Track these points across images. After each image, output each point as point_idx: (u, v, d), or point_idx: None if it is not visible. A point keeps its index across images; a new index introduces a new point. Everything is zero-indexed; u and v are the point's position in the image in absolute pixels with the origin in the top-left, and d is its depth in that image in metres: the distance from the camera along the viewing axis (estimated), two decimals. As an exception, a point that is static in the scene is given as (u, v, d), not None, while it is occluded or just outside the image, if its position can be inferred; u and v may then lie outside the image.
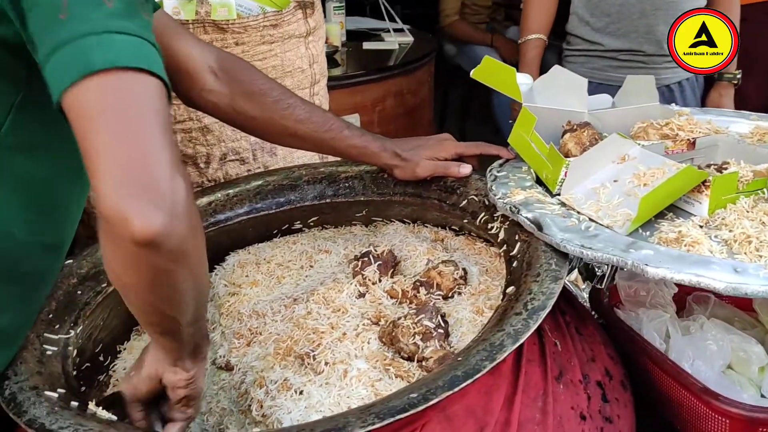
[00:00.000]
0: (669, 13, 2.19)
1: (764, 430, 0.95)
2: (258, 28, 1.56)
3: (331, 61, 3.07)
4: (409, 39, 3.40)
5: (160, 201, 0.70)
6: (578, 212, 1.08)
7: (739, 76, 2.40)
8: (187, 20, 1.53)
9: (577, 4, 2.30)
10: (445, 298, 1.16)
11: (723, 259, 0.94)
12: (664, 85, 2.27)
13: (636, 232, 1.03)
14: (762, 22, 3.27)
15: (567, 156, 1.21)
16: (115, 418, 0.91)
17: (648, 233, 1.03)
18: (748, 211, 1.04)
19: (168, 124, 0.75)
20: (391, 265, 1.24)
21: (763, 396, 1.08)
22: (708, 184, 1.05)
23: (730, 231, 1.00)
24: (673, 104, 2.00)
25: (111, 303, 1.19)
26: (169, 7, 1.58)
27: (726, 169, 1.11)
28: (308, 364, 1.05)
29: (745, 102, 2.39)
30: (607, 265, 1.31)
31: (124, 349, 1.25)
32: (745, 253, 0.95)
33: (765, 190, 1.09)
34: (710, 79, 2.45)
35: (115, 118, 0.72)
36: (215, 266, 1.37)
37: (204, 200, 1.38)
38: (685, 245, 0.97)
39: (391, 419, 0.75)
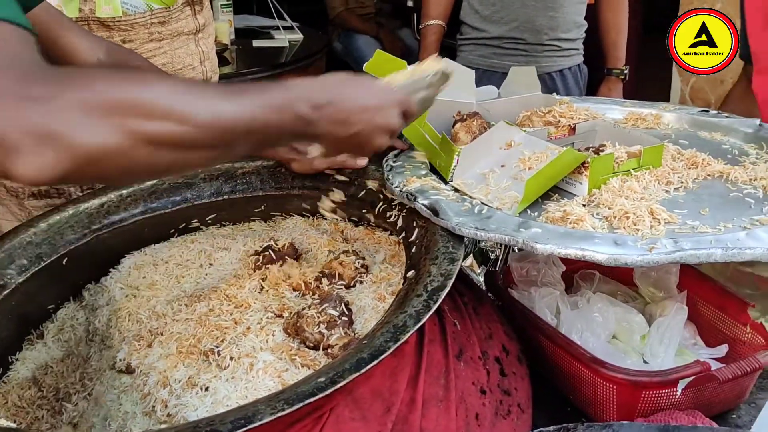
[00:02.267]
0: (547, 5, 2.33)
1: (647, 392, 1.03)
2: (145, 26, 1.53)
3: (221, 60, 3.04)
4: (298, 36, 3.41)
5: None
6: (470, 197, 1.12)
7: (626, 71, 2.58)
8: (71, 18, 1.48)
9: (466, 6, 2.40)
10: (348, 287, 1.18)
11: (604, 233, 1.00)
12: (545, 73, 2.40)
13: (525, 213, 1.09)
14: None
15: (458, 144, 1.26)
16: (14, 425, 0.89)
17: (536, 213, 1.09)
18: (619, 190, 1.11)
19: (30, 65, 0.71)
20: (292, 258, 1.25)
21: (645, 362, 1.16)
22: (587, 165, 1.12)
23: (609, 208, 1.07)
24: (555, 93, 2.12)
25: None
26: (52, 5, 1.52)
27: (603, 151, 1.18)
28: (213, 360, 1.04)
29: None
30: (501, 246, 1.37)
31: (17, 359, 1.21)
32: (624, 228, 1.02)
33: (632, 170, 1.17)
34: (594, 70, 2.59)
35: None
36: (110, 270, 1.34)
37: (96, 202, 1.34)
38: (570, 223, 1.03)
39: (300, 404, 0.76)
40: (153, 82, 0.78)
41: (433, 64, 1.07)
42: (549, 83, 2.41)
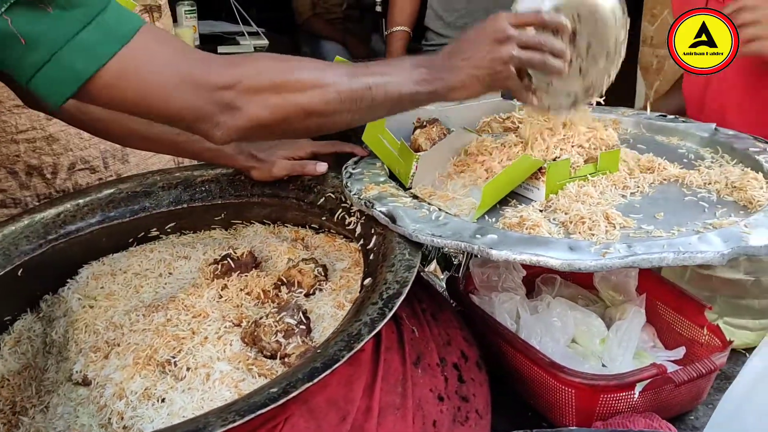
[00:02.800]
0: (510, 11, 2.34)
1: (605, 396, 1.03)
2: (102, 33, 1.51)
3: (186, 66, 3.02)
4: (264, 42, 3.40)
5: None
6: (429, 204, 1.12)
7: None
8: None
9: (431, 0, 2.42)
10: (307, 295, 1.17)
11: (560, 239, 1.01)
12: None
13: (483, 219, 1.09)
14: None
15: (418, 151, 1.26)
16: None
17: (494, 219, 1.09)
18: (575, 195, 1.12)
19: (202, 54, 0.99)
20: (251, 266, 1.24)
21: (604, 365, 1.17)
22: (544, 171, 1.12)
23: (566, 213, 1.07)
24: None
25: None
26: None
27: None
28: (169, 371, 1.03)
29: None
30: (461, 252, 1.38)
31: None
32: (580, 233, 1.03)
33: (589, 175, 1.18)
34: None
35: None
36: (67, 280, 1.32)
37: (52, 212, 1.32)
38: (527, 228, 1.03)
39: (252, 415, 0.75)
40: (303, 64, 1.02)
41: None
42: None
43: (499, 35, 1.03)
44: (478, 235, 1.00)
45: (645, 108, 1.59)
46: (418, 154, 1.22)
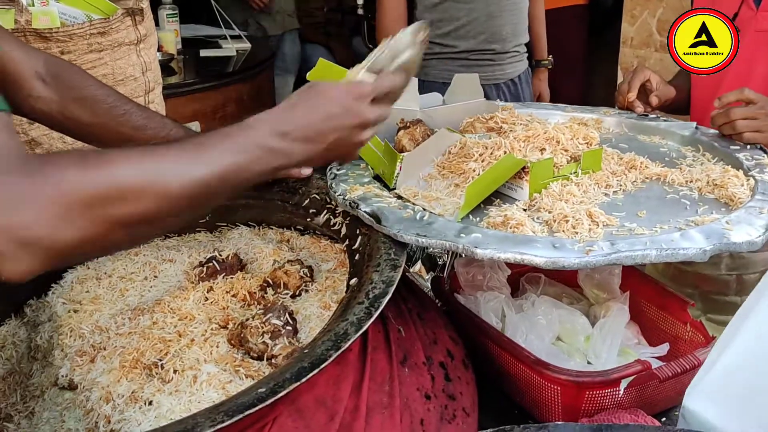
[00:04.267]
0: (513, 13, 2.39)
1: (590, 392, 1.04)
2: (84, 36, 1.51)
3: (168, 69, 3.01)
4: (246, 45, 3.39)
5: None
6: (413, 204, 1.13)
7: (551, 59, 2.75)
8: (7, 29, 1.45)
9: (421, 11, 2.40)
10: (293, 296, 1.17)
11: (543, 237, 1.02)
12: (509, 79, 2.47)
13: (467, 219, 1.10)
14: (571, 24, 3.57)
15: (402, 151, 1.26)
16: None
17: (478, 219, 1.10)
18: (559, 194, 1.13)
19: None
20: (236, 268, 1.24)
21: (589, 362, 1.18)
22: (527, 170, 1.13)
23: (549, 212, 1.08)
24: (521, 96, 2.17)
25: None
26: (-15, 16, 1.49)
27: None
28: (156, 373, 1.03)
29: (560, 97, 2.60)
30: (446, 252, 1.38)
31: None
32: (563, 231, 1.04)
33: (572, 174, 1.19)
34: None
35: None
36: (52, 285, 1.31)
37: (35, 216, 1.31)
38: (511, 227, 1.04)
39: (240, 415, 0.76)
40: (120, 163, 0.81)
41: (398, 35, 1.07)
42: (512, 89, 2.48)
43: (362, 120, 1.00)
44: (462, 234, 1.01)
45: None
46: (402, 154, 1.22)
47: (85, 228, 0.76)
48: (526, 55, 2.60)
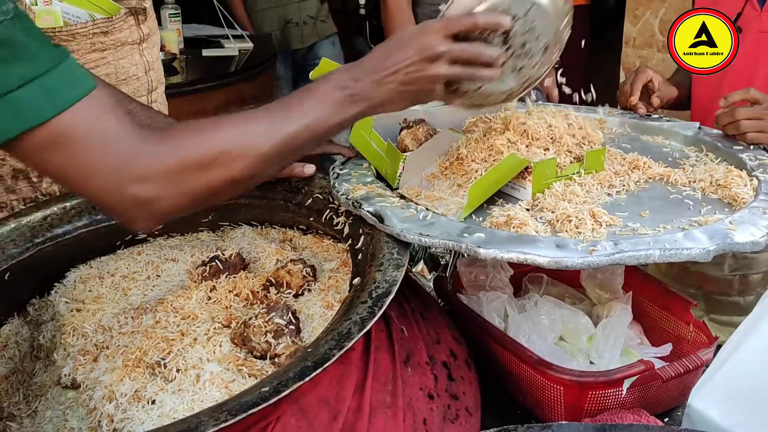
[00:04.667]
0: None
1: (593, 392, 1.04)
2: (87, 36, 1.51)
3: (170, 69, 3.01)
4: (248, 45, 3.39)
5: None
6: (416, 203, 1.13)
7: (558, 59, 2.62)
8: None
9: (422, 17, 2.40)
10: (296, 296, 1.17)
11: (547, 237, 1.02)
12: None
13: (470, 219, 1.10)
14: (573, 24, 3.53)
15: (405, 151, 1.26)
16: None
17: (481, 218, 1.10)
18: (562, 194, 1.13)
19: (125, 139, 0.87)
20: (239, 267, 1.24)
21: (592, 362, 1.18)
22: (530, 170, 1.13)
23: (552, 212, 1.08)
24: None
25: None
26: (-12, 15, 1.49)
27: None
28: (159, 372, 1.03)
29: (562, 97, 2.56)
30: (449, 252, 1.38)
31: None
32: (566, 231, 1.04)
33: (575, 174, 1.19)
34: None
35: None
36: (55, 284, 1.31)
37: (38, 215, 1.32)
38: (514, 227, 1.04)
39: (244, 414, 0.76)
40: (220, 131, 0.92)
41: None
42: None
43: (428, 53, 0.98)
44: (465, 234, 1.01)
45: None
46: (405, 154, 1.22)
47: (197, 190, 0.89)
48: None
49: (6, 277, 1.24)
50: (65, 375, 1.13)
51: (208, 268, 1.22)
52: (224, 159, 0.90)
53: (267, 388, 0.79)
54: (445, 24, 1.00)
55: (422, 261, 1.59)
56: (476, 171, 1.18)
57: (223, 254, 1.24)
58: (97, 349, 1.14)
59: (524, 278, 1.36)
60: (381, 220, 1.07)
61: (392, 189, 1.21)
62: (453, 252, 1.41)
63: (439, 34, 0.99)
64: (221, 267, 1.21)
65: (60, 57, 0.83)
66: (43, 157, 0.84)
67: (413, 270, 1.58)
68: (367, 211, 1.10)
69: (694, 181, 1.24)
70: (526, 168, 1.14)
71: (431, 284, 1.46)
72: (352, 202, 1.13)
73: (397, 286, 0.95)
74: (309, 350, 0.85)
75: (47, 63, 0.82)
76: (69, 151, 0.84)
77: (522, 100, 1.28)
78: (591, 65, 3.94)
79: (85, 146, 0.84)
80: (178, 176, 0.87)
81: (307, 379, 0.79)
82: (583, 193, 1.15)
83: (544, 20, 1.08)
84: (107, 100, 0.87)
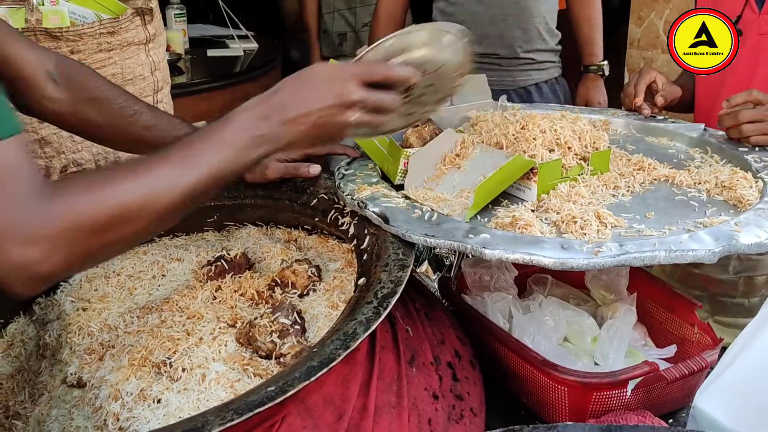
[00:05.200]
0: (519, 17, 2.31)
1: (597, 393, 1.04)
2: (94, 36, 1.51)
3: (175, 69, 3.02)
4: (253, 45, 3.40)
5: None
6: (421, 204, 1.13)
7: (605, 66, 2.48)
8: (17, 29, 1.46)
9: (436, 14, 2.40)
10: (301, 296, 1.18)
11: (552, 238, 1.02)
12: (521, 87, 2.38)
13: (475, 219, 1.10)
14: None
15: (409, 148, 1.27)
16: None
17: (486, 219, 1.10)
18: (567, 195, 1.13)
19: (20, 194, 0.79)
20: (244, 267, 1.24)
21: (596, 364, 1.18)
22: (536, 171, 1.13)
23: (557, 213, 1.08)
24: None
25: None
26: (-5, 16, 1.50)
27: None
28: (165, 372, 1.04)
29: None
30: (453, 252, 1.38)
31: None
32: (572, 232, 1.04)
33: (580, 176, 1.19)
34: (576, 79, 2.54)
35: None
36: (61, 283, 1.32)
37: (44, 214, 1.32)
38: (519, 228, 1.04)
39: (250, 413, 0.76)
40: (119, 184, 0.84)
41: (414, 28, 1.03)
42: (525, 97, 2.37)
43: (344, 99, 0.95)
44: (471, 235, 1.01)
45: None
46: (407, 150, 1.23)
47: (87, 251, 0.82)
48: (554, 65, 2.47)
49: (12, 276, 1.25)
50: (71, 374, 1.13)
51: (213, 267, 1.22)
52: (122, 218, 0.83)
53: (273, 388, 0.79)
54: (362, 71, 0.98)
55: (426, 261, 1.59)
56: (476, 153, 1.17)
57: (229, 254, 1.24)
58: (103, 348, 1.14)
59: (529, 279, 1.36)
60: (386, 220, 1.07)
61: (397, 189, 1.21)
62: (457, 253, 1.41)
63: (355, 81, 0.97)
64: (227, 267, 1.22)
65: None
66: None
67: (418, 270, 1.58)
68: (373, 212, 1.10)
69: (699, 183, 1.24)
70: (532, 169, 1.14)
71: (435, 285, 1.47)
72: (358, 203, 1.14)
73: (403, 286, 0.95)
74: (315, 350, 0.85)
75: None
76: None
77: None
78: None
79: None
80: (69, 239, 0.80)
81: (312, 378, 0.80)
82: (588, 194, 1.15)
83: (446, 78, 1.10)
84: (22, 150, 0.81)
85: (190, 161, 0.88)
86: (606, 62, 2.51)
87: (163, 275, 1.31)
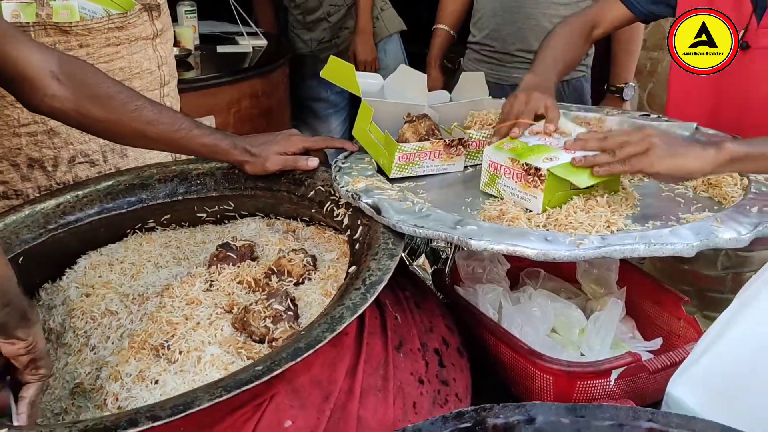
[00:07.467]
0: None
1: (581, 382, 1.07)
2: (103, 31, 1.55)
3: (185, 65, 3.06)
4: (262, 42, 3.43)
5: None
6: (413, 196, 1.17)
7: (625, 89, 2.47)
8: (28, 23, 1.50)
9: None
10: (296, 284, 1.21)
11: (537, 230, 1.05)
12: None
13: (464, 212, 1.14)
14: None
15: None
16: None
17: (475, 212, 1.14)
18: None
19: None
20: (247, 257, 1.28)
21: (582, 354, 1.21)
22: (543, 178, 1.12)
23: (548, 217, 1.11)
24: None
25: None
26: (9, 10, 1.55)
27: None
28: (163, 354, 1.08)
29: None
30: (448, 246, 1.41)
31: None
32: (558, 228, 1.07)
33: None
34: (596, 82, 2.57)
35: None
36: (66, 270, 1.36)
37: (52, 202, 1.36)
38: (506, 221, 1.08)
39: (238, 390, 0.80)
40: None
41: None
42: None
43: None
44: (458, 226, 1.05)
45: (640, 108, 1.62)
46: (401, 144, 1.26)
47: None
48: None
49: (20, 262, 1.28)
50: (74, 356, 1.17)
51: (218, 252, 1.26)
52: None
53: (260, 367, 0.83)
54: None
55: (424, 255, 1.63)
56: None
57: (235, 244, 1.28)
58: (105, 332, 1.18)
59: (522, 273, 1.39)
60: (378, 211, 1.11)
61: (392, 182, 1.25)
62: (453, 246, 1.44)
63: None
64: (230, 255, 1.25)
65: None
66: None
67: (415, 263, 1.62)
68: (365, 203, 1.13)
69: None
70: (539, 174, 1.14)
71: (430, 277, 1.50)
72: (352, 194, 1.17)
73: (390, 274, 0.98)
74: (302, 333, 0.89)
75: None
76: None
77: None
78: (601, 67, 3.93)
79: None
80: None
81: (299, 359, 0.83)
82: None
83: None
84: None
85: None
86: (628, 84, 2.51)
87: (164, 263, 1.35)
